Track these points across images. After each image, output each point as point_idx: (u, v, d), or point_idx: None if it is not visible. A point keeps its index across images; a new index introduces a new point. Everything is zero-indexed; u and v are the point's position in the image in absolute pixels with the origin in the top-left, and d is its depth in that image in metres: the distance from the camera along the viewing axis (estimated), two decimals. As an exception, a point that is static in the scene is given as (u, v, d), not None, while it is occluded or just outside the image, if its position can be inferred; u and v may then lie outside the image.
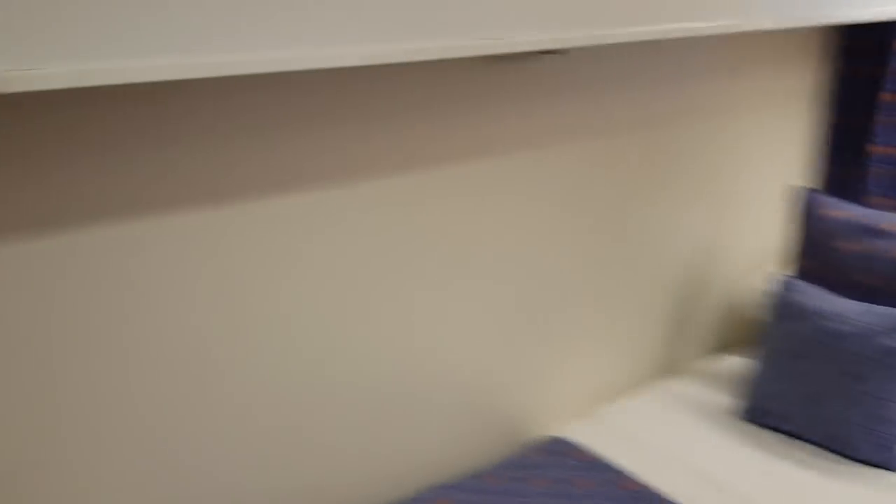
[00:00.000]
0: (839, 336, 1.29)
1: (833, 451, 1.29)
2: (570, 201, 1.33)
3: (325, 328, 1.11)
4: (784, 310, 1.37)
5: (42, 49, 0.68)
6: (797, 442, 1.32)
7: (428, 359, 1.24)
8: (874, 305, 1.31)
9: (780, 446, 1.31)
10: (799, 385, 1.32)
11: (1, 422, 0.89)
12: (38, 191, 0.85)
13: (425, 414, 1.26)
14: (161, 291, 0.96)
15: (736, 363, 1.59)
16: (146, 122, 0.90)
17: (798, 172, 1.78)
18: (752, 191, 1.67)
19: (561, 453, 1.29)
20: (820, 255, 1.47)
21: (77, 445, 0.95)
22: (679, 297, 1.61)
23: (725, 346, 1.77)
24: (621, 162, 1.38)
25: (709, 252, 1.63)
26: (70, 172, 0.87)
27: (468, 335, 1.28)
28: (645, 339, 1.58)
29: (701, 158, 1.52)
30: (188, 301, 0.98)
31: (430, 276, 1.20)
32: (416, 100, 1.10)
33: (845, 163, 1.77)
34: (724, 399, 1.45)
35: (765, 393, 1.35)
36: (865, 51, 1.69)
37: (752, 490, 1.20)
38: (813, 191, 1.51)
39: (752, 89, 1.58)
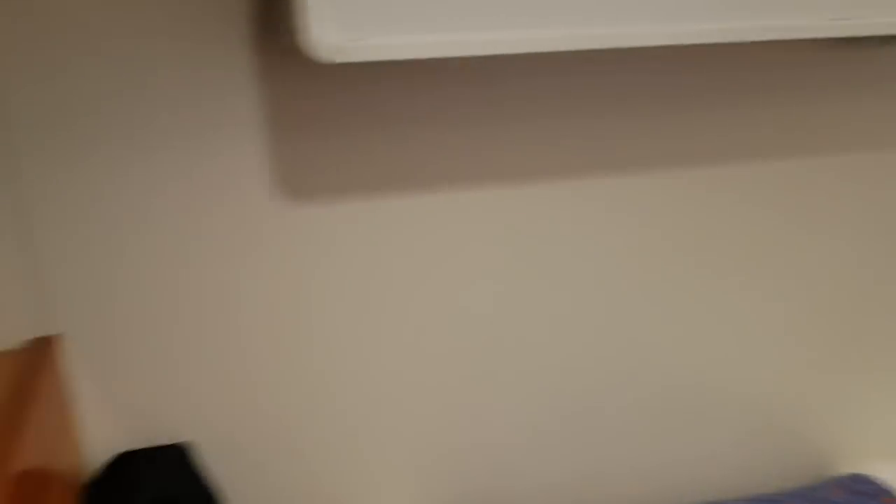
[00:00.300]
0: None
1: None
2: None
3: (611, 326, 1.08)
4: None
5: (373, 22, 0.72)
6: None
7: (721, 371, 1.15)
8: None
9: None
10: None
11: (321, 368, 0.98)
12: (355, 156, 0.92)
13: (711, 427, 1.18)
14: (448, 263, 0.99)
15: None
16: (455, 95, 0.93)
17: None
18: None
19: (865, 494, 1.13)
20: None
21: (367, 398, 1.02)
22: None
23: None
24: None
25: None
26: (383, 141, 0.92)
27: (770, 350, 1.16)
28: None
29: None
30: (474, 277, 1.00)
31: (730, 281, 1.11)
32: (720, 84, 1.02)
33: None
34: None
35: None
36: None
37: None
38: None
39: None
